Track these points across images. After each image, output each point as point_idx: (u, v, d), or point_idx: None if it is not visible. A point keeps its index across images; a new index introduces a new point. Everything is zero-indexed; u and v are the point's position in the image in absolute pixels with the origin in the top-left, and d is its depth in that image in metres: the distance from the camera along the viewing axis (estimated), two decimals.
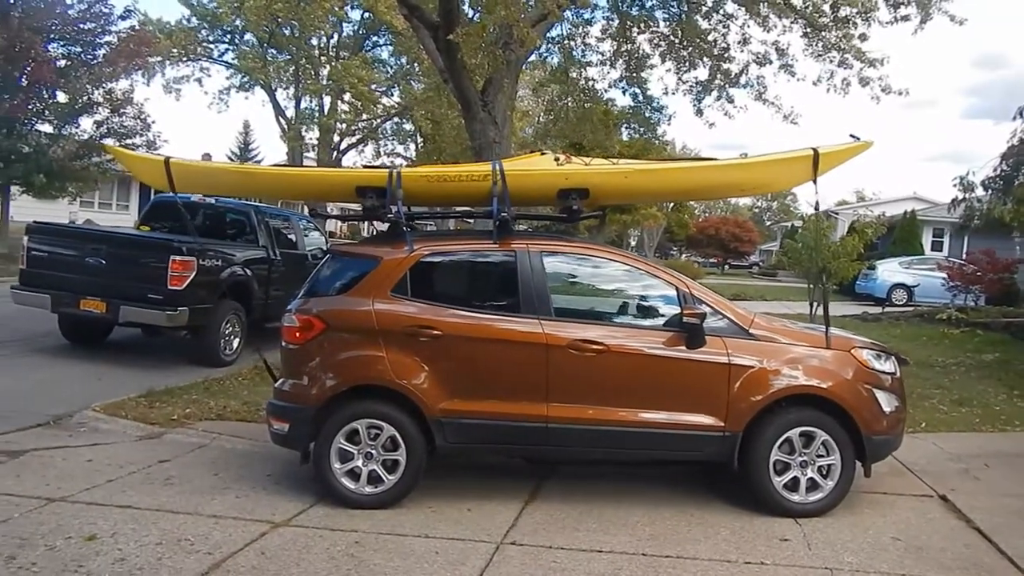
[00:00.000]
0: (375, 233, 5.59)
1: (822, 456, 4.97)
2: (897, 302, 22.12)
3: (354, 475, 4.93)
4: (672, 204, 39.46)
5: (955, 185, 13.15)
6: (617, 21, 15.52)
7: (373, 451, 4.94)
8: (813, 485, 4.99)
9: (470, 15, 12.50)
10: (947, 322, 15.15)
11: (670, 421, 4.94)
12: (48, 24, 19.65)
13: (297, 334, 5.06)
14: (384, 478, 4.93)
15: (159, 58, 29.69)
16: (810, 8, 13.19)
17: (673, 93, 15.71)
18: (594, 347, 4.91)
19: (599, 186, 5.24)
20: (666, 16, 15.28)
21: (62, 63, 20.05)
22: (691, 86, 15.08)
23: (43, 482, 5.09)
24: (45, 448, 5.91)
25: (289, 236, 11.57)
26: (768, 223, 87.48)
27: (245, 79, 32.34)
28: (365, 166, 5.74)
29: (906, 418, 5.50)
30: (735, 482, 5.23)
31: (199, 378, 8.40)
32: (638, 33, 15.65)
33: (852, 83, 13.06)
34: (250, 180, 5.52)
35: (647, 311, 5.29)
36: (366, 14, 31.48)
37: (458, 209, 5.71)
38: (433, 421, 4.91)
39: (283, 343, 5.19)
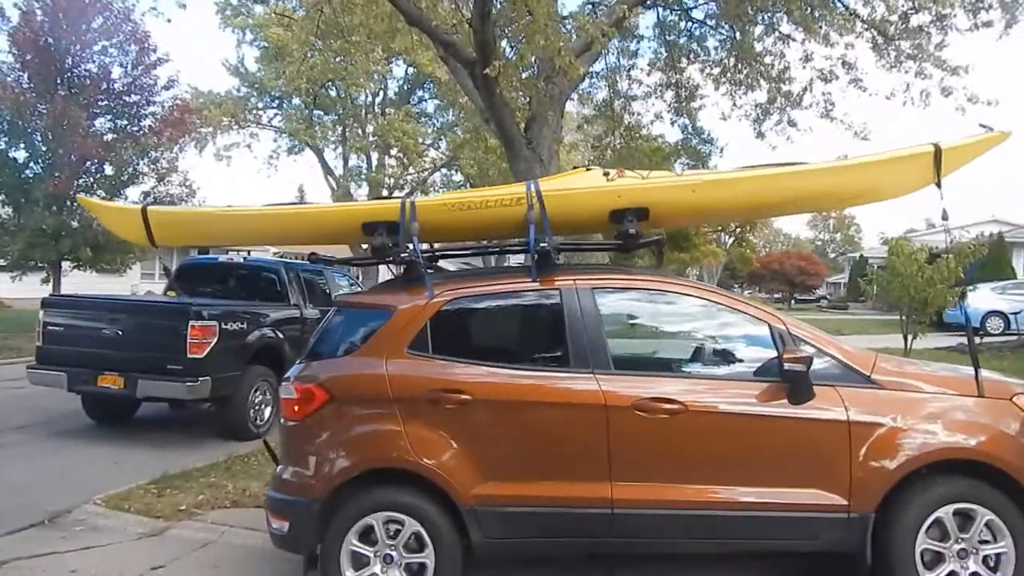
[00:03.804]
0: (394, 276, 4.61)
1: (987, 542, 3.70)
2: (993, 331, 20.23)
3: None
4: (732, 239, 38.07)
5: None
6: (665, 54, 14.79)
7: (394, 552, 3.90)
8: None
9: (508, 53, 11.83)
10: None
11: (773, 501, 3.78)
12: (94, 99, 19.78)
13: (295, 408, 4.09)
14: None
15: (210, 128, 30.09)
16: (879, 17, 12.12)
17: (727, 119, 14.76)
18: (667, 407, 3.82)
19: (660, 203, 4.19)
20: (719, 40, 14.48)
21: (109, 137, 20.10)
22: (747, 111, 14.16)
23: None
24: (29, 556, 5.04)
25: (325, 291, 10.75)
26: (832, 255, 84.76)
27: (293, 143, 32.54)
28: (374, 198, 4.79)
29: None
30: None
31: (224, 455, 7.52)
32: (688, 64, 14.91)
33: (933, 94, 11.86)
34: (240, 224, 4.64)
35: (733, 357, 4.17)
36: (410, 69, 31.47)
37: (489, 243, 4.70)
38: (467, 511, 3.86)
39: (281, 419, 4.23)
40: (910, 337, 11.46)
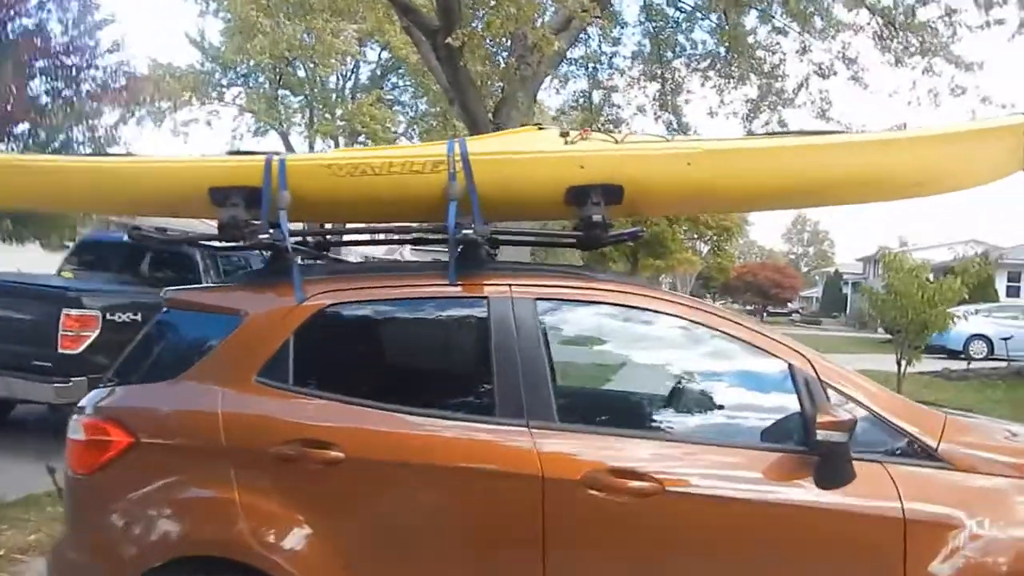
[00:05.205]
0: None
1: None
2: (976, 356, 19.31)
3: None
4: (710, 247, 37.06)
5: None
6: (649, 46, 13.96)
7: None
8: None
9: (477, 25, 10.72)
10: None
11: None
12: (30, 58, 18.16)
13: (84, 455, 2.76)
14: None
15: (169, 103, 28.55)
16: (885, 7, 11.17)
17: (714, 115, 13.81)
18: (633, 484, 2.53)
19: (641, 180, 2.86)
20: (708, 31, 13.65)
21: (43, 100, 18.47)
22: (736, 108, 13.23)
23: None
24: None
25: None
26: (805, 269, 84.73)
27: (259, 124, 31.09)
28: (232, 152, 3.42)
29: None
30: None
31: None
32: (673, 56, 14.11)
33: (942, 93, 10.87)
34: (43, 180, 3.22)
35: (734, 411, 2.90)
36: (384, 54, 30.25)
37: (395, 225, 3.32)
38: None
39: (67, 471, 2.88)
40: (903, 363, 10.34)
